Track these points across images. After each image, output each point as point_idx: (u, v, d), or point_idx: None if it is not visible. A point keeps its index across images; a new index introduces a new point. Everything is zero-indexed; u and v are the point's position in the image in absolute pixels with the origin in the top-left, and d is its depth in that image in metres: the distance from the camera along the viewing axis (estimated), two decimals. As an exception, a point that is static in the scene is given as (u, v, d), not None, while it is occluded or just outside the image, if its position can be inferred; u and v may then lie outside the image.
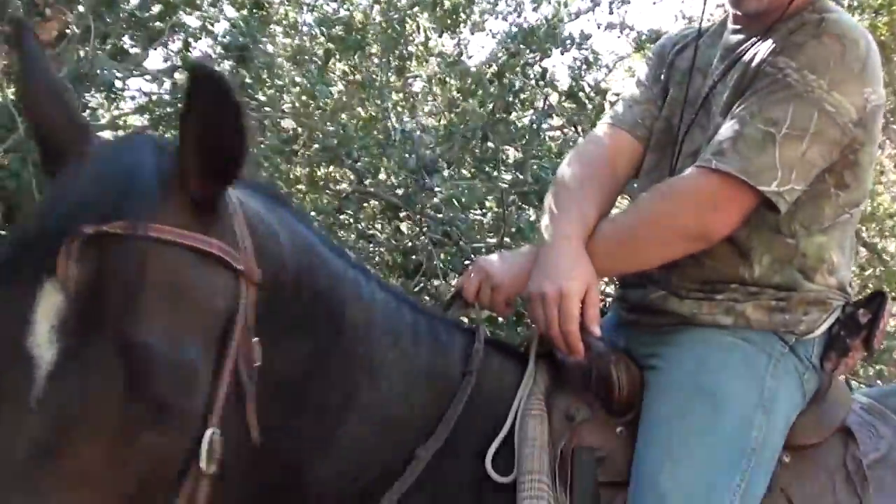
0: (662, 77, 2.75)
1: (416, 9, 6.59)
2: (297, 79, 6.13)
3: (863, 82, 2.38)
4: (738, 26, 2.61)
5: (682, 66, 2.70)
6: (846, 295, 2.58)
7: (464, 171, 5.80)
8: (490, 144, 5.65)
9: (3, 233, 4.46)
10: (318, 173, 5.73)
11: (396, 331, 2.38)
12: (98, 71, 4.69)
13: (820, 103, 2.33)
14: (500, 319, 5.10)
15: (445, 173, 5.38)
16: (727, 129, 2.40)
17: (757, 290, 2.48)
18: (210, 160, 1.83)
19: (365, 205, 5.98)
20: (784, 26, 2.46)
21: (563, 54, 6.62)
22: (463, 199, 5.25)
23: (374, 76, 6.19)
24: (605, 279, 2.52)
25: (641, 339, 2.57)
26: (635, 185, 2.82)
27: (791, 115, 2.34)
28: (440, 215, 5.44)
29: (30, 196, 4.27)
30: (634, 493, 2.31)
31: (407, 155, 5.22)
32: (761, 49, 2.47)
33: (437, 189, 5.35)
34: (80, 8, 5.22)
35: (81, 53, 4.96)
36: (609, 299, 2.72)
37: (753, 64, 2.46)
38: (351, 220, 6.01)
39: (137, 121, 6.68)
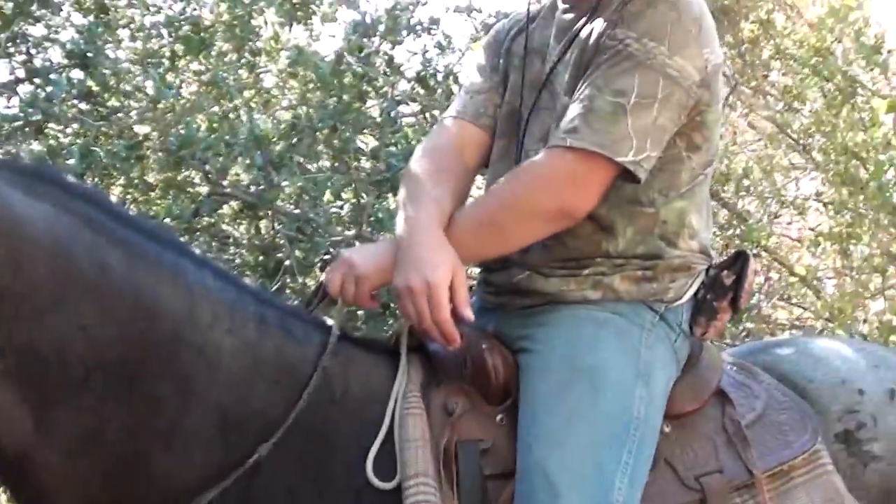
0: (500, 64, 2.72)
1: (262, 3, 6.46)
2: (147, 83, 5.98)
3: (700, 44, 2.40)
4: (567, 5, 2.59)
5: (519, 50, 2.67)
6: (708, 258, 2.59)
7: (320, 164, 5.71)
8: (345, 135, 5.59)
9: None
10: (178, 178, 5.60)
11: (235, 319, 2.32)
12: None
13: (663, 69, 2.34)
14: (360, 313, 5.04)
15: (297, 167, 5.31)
16: (576, 106, 2.39)
17: (623, 262, 2.47)
18: None
19: (224, 207, 5.87)
20: None
21: (414, 40, 6.58)
22: (312, 192, 5.21)
23: (223, 74, 6.06)
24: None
25: (510, 322, 2.54)
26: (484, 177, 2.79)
27: (637, 84, 2.33)
28: (296, 211, 5.38)
29: None
30: (522, 481, 2.28)
31: (256, 152, 5.13)
32: (597, 24, 2.46)
33: (284, 184, 5.28)
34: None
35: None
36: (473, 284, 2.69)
37: (592, 40, 2.45)
38: (210, 223, 5.88)
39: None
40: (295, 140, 5.56)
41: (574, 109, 2.38)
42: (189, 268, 2.33)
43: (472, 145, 2.68)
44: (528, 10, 2.71)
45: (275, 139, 5.44)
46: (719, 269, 2.57)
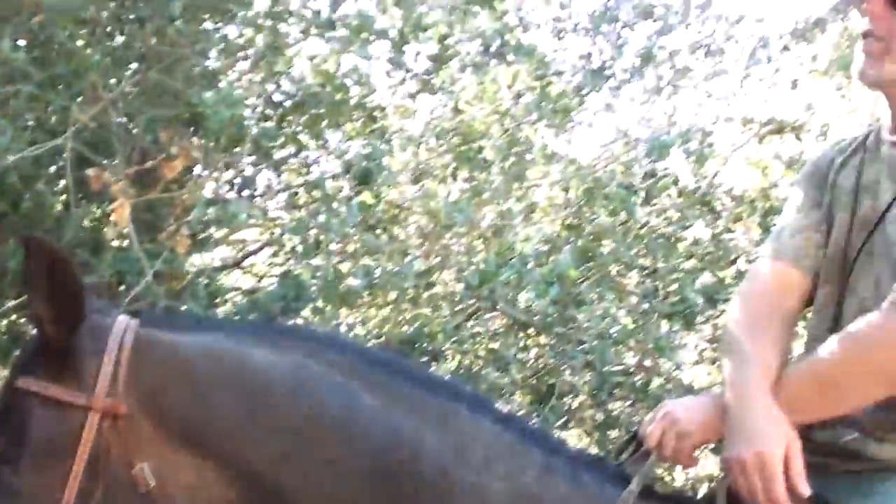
0: (824, 199, 2.51)
1: (533, 115, 6.51)
2: (422, 197, 6.09)
3: None
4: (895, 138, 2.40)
5: (846, 185, 2.47)
6: None
7: (607, 294, 5.58)
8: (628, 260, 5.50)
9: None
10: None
11: (513, 465, 2.30)
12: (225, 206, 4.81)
13: None
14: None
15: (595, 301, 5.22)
16: None
17: None
18: (49, 312, 2.21)
19: (490, 317, 5.87)
20: None
21: (679, 147, 6.43)
22: (614, 335, 5.11)
23: (489, 186, 6.10)
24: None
25: (835, 488, 2.35)
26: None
27: None
28: (583, 343, 5.28)
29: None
30: None
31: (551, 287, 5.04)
32: None
33: (586, 325, 5.19)
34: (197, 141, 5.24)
35: (207, 191, 5.06)
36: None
37: None
38: (475, 336, 5.88)
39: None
40: (584, 269, 5.47)
41: None
42: (461, 410, 2.34)
43: (793, 289, 2.51)
44: (859, 138, 2.53)
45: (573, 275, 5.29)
46: None
